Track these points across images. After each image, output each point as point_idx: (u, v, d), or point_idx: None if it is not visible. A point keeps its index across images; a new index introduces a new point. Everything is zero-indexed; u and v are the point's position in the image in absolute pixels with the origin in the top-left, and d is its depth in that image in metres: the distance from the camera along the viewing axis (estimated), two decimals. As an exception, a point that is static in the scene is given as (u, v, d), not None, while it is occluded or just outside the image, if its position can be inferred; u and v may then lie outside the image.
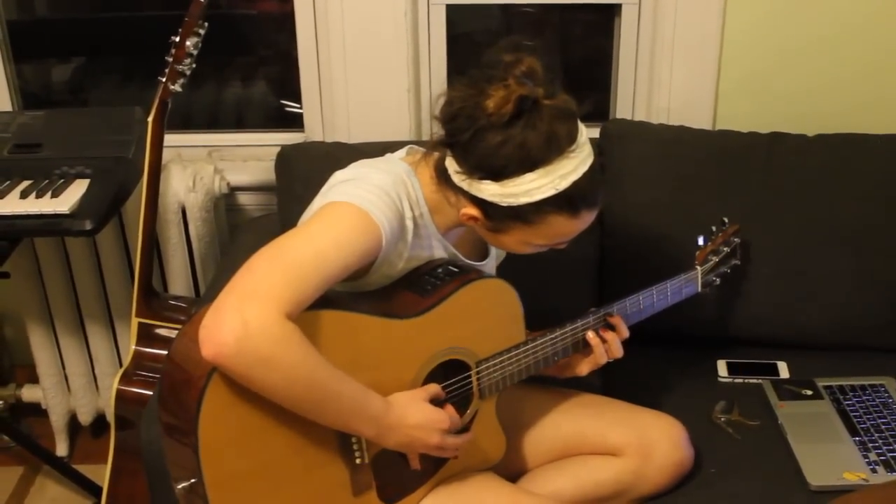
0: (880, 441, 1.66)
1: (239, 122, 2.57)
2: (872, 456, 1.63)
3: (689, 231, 1.80)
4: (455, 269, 1.43)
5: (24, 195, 1.79)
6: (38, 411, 2.43)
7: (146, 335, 1.91)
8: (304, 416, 1.24)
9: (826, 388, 1.81)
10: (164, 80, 1.81)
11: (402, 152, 1.49)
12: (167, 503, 1.39)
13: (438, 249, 1.44)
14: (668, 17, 2.08)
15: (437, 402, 1.38)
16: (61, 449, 2.43)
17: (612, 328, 1.57)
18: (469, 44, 2.32)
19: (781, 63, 2.11)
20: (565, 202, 1.31)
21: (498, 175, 1.29)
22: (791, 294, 1.94)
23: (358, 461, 1.35)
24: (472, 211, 1.36)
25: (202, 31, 1.80)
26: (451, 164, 1.35)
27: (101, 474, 2.03)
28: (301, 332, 1.19)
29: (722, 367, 1.92)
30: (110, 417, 1.96)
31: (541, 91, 1.28)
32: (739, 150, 1.96)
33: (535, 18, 2.36)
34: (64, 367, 2.34)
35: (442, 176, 1.37)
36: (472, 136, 1.29)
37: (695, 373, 1.90)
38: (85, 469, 2.29)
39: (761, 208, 1.93)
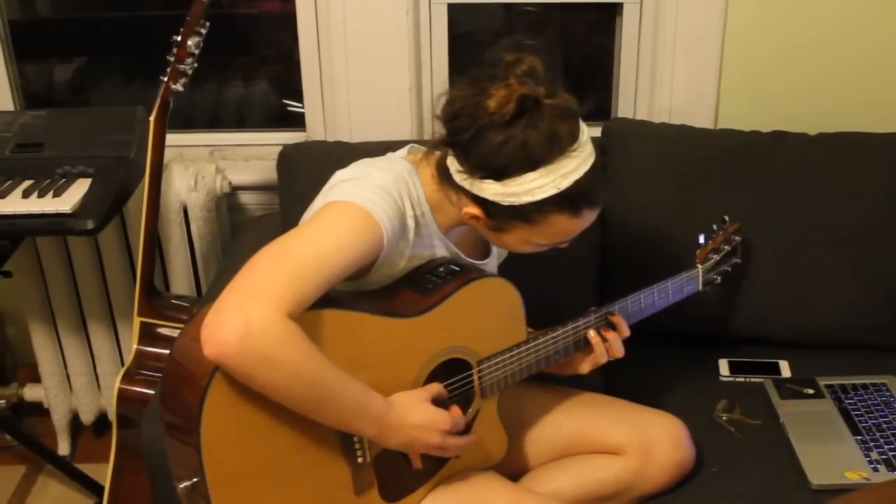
0: (882, 440, 1.66)
1: (240, 122, 2.57)
2: (874, 455, 1.63)
3: (691, 229, 1.80)
4: (456, 268, 1.43)
5: (26, 194, 1.79)
6: (40, 410, 2.43)
7: (148, 334, 1.92)
8: (306, 416, 1.24)
9: (828, 386, 1.81)
10: (165, 79, 1.81)
11: (403, 151, 1.49)
12: (169, 502, 1.39)
13: (440, 248, 1.44)
14: (669, 16, 2.08)
15: (441, 401, 1.38)
16: (63, 448, 2.43)
17: (613, 327, 1.56)
18: (470, 43, 2.31)
19: (783, 62, 2.11)
20: (567, 201, 1.31)
21: (499, 174, 1.29)
22: (793, 292, 1.94)
23: (359, 460, 1.35)
24: (474, 210, 1.36)
25: (204, 31, 1.81)
26: (452, 164, 1.34)
27: (103, 473, 2.04)
28: (303, 332, 1.19)
29: (723, 365, 1.92)
30: (112, 416, 1.96)
31: (542, 90, 1.28)
32: (741, 149, 1.96)
33: (537, 18, 2.35)
34: (66, 367, 2.34)
35: (443, 175, 1.37)
36: (474, 135, 1.29)
37: (696, 371, 1.90)
38: (87, 468, 2.29)
39: (762, 207, 1.93)
